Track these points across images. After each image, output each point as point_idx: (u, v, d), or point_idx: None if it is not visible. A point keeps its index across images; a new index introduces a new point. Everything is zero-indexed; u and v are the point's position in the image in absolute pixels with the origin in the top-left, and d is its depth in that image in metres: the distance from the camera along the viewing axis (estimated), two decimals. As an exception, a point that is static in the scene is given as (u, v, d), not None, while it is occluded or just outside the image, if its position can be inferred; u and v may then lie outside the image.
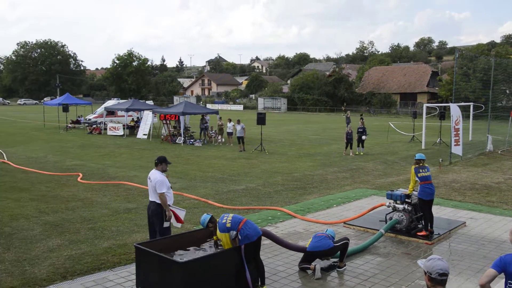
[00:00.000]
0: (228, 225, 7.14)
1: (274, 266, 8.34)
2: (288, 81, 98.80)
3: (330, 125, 45.70)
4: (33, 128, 38.76)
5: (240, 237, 7.07)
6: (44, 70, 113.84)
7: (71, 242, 9.57)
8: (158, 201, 8.13)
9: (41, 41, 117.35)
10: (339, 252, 8.22)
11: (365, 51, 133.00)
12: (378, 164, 20.45)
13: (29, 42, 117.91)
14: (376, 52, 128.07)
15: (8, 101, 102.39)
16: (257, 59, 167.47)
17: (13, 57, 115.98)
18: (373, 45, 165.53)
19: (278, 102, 77.58)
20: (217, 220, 7.41)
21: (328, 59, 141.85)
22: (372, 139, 28.81)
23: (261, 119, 24.33)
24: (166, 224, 8.21)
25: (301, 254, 8.39)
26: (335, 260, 8.37)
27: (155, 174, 8.24)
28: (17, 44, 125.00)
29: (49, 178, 16.59)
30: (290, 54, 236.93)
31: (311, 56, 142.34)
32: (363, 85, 76.36)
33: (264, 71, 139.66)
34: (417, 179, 9.92)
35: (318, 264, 7.98)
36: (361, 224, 10.78)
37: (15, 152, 23.09)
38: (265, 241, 8.37)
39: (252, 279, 7.10)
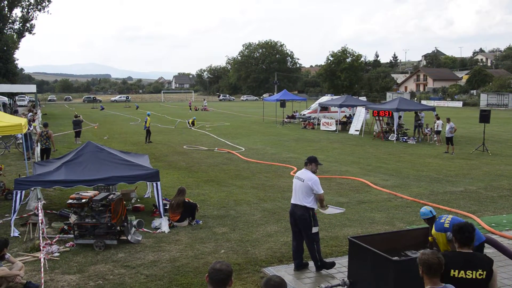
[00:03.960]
0: (446, 225, 6.71)
1: (499, 279, 7.52)
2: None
3: None
4: (253, 122, 42.11)
5: (459, 241, 6.57)
6: (264, 68, 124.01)
7: (287, 229, 10.11)
8: (306, 205, 7.68)
9: (263, 41, 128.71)
10: None
11: None
12: None
13: (252, 43, 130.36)
14: None
15: (233, 98, 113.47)
16: (481, 51, 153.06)
17: (239, 58, 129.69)
18: None
19: (505, 98, 69.74)
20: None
21: None
22: None
23: (484, 117, 22.24)
24: (314, 230, 7.76)
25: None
26: None
27: (308, 174, 7.82)
28: (243, 45, 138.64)
29: (267, 169, 17.84)
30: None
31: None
32: None
33: (489, 64, 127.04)
34: None
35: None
36: None
37: (238, 144, 25.39)
38: (488, 249, 7.62)
39: None
